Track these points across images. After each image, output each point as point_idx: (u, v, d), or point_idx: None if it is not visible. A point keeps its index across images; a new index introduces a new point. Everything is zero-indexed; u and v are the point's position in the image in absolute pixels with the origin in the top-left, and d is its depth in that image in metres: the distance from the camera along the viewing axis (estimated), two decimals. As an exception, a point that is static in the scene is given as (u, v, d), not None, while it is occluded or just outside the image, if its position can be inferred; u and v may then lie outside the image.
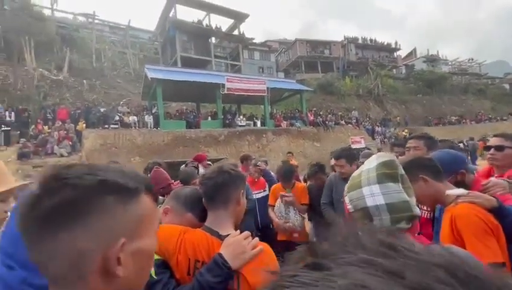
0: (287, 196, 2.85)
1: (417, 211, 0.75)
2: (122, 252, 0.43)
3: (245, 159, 4.14)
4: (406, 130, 22.67)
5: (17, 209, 0.42)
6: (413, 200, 0.76)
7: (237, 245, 0.92)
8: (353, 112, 23.26)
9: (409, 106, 29.21)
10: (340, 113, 22.87)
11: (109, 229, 0.42)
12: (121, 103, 16.52)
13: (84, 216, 0.41)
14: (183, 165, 3.46)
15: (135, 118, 14.40)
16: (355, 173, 0.82)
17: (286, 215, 2.85)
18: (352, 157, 2.61)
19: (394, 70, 35.71)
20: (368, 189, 0.74)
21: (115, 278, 0.43)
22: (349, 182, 0.82)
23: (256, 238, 0.96)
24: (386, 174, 0.75)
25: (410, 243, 0.23)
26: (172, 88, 15.24)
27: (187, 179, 2.59)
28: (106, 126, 13.37)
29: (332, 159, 2.89)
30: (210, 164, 4.33)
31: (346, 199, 0.80)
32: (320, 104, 24.70)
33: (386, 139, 21.50)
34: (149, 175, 2.99)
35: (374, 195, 0.73)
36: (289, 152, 8.52)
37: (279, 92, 19.86)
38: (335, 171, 2.96)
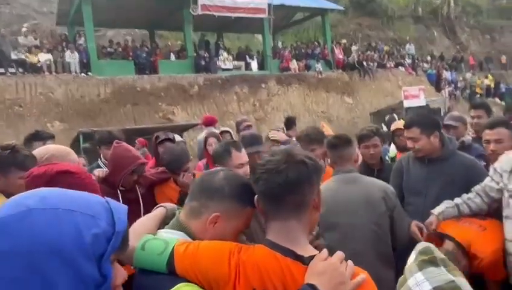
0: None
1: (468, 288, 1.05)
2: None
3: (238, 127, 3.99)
4: (491, 77, 22.35)
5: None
6: (460, 280, 1.07)
7: (334, 273, 0.99)
8: (407, 46, 23.00)
9: (499, 36, 27.49)
10: (386, 48, 22.23)
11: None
12: (23, 30, 15.26)
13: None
14: (155, 136, 3.39)
15: (49, 56, 13.51)
16: (402, 277, 1.17)
17: None
18: (432, 123, 2.59)
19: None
20: (413, 280, 1.11)
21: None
22: (397, 284, 1.17)
23: (351, 263, 1.05)
24: (425, 261, 1.13)
25: None
26: (108, 4, 14.57)
27: (177, 165, 2.69)
28: (1, 70, 12.92)
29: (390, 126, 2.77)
30: (229, 132, 4.53)
31: None
32: (354, 32, 23.85)
33: (457, 92, 21.62)
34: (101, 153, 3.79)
35: (419, 284, 1.08)
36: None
37: (287, 12, 19.43)
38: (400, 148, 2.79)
